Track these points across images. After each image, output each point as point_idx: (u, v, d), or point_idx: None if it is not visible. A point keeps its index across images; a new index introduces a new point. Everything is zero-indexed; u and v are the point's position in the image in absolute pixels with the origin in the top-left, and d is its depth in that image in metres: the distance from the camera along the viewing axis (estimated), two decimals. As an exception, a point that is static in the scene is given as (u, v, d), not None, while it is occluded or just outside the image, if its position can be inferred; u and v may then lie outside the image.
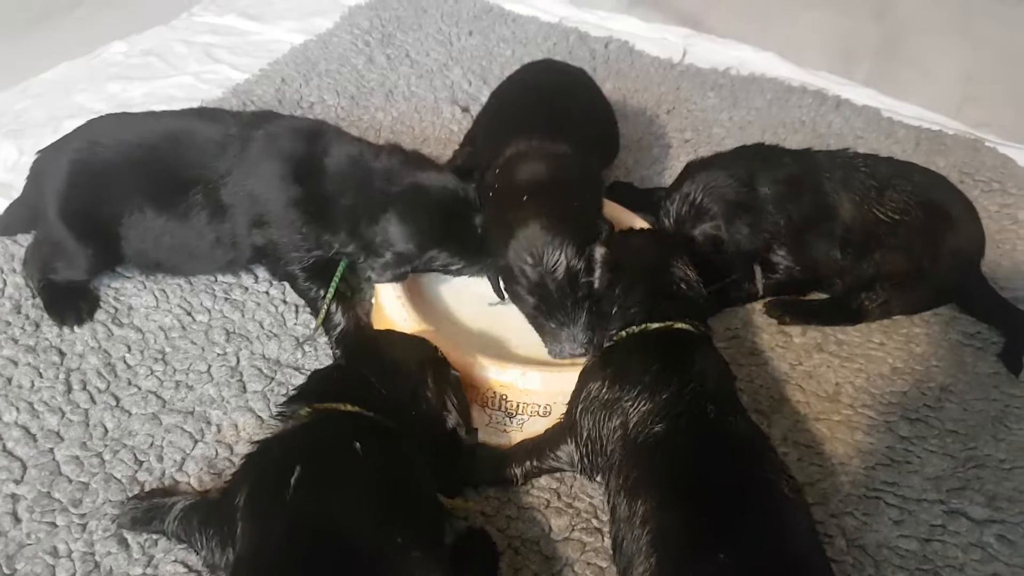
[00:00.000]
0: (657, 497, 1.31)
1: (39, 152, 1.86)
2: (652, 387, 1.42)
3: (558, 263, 1.61)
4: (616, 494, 1.37)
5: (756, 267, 1.99)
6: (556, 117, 1.98)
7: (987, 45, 3.36)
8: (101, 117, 1.90)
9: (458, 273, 1.80)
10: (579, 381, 1.54)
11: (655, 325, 1.52)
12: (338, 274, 1.84)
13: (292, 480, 1.21)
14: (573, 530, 1.52)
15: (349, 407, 1.37)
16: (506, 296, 1.76)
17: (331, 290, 1.83)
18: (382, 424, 1.37)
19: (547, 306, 1.64)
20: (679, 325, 1.53)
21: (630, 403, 1.42)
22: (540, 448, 1.57)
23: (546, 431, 1.59)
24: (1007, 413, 1.82)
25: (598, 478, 1.52)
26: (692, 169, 2.01)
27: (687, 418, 1.39)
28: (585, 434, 1.48)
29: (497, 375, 1.60)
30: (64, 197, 1.78)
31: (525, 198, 1.66)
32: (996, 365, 1.94)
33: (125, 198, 1.78)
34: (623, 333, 1.54)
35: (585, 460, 1.50)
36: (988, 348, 1.98)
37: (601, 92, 2.31)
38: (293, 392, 1.48)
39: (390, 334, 1.61)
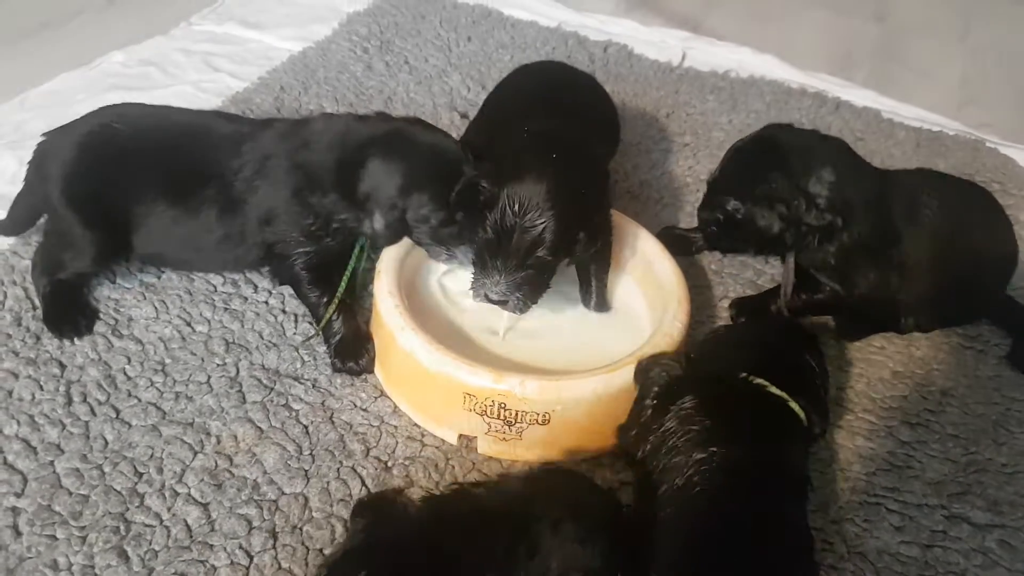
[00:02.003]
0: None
1: (44, 135, 1.85)
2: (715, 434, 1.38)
3: (534, 227, 1.62)
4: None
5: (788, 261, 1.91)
6: (560, 115, 1.95)
7: (987, 45, 3.35)
8: (116, 104, 1.89)
9: (446, 236, 1.75)
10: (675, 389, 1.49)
11: (758, 381, 1.47)
12: (347, 275, 1.84)
13: None
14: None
15: None
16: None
17: (343, 284, 1.83)
18: None
19: (497, 250, 1.65)
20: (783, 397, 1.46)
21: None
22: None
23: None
24: (1008, 417, 1.82)
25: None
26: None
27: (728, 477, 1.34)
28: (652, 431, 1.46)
29: (495, 384, 1.60)
30: (71, 179, 1.78)
31: (552, 155, 1.66)
32: (997, 368, 1.93)
33: (136, 186, 1.78)
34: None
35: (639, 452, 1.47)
36: (989, 351, 1.98)
37: (600, 86, 2.28)
38: None
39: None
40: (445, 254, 1.82)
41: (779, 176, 1.80)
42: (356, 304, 1.94)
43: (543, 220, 1.62)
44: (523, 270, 1.66)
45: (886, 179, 1.91)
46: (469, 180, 1.70)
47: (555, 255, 1.68)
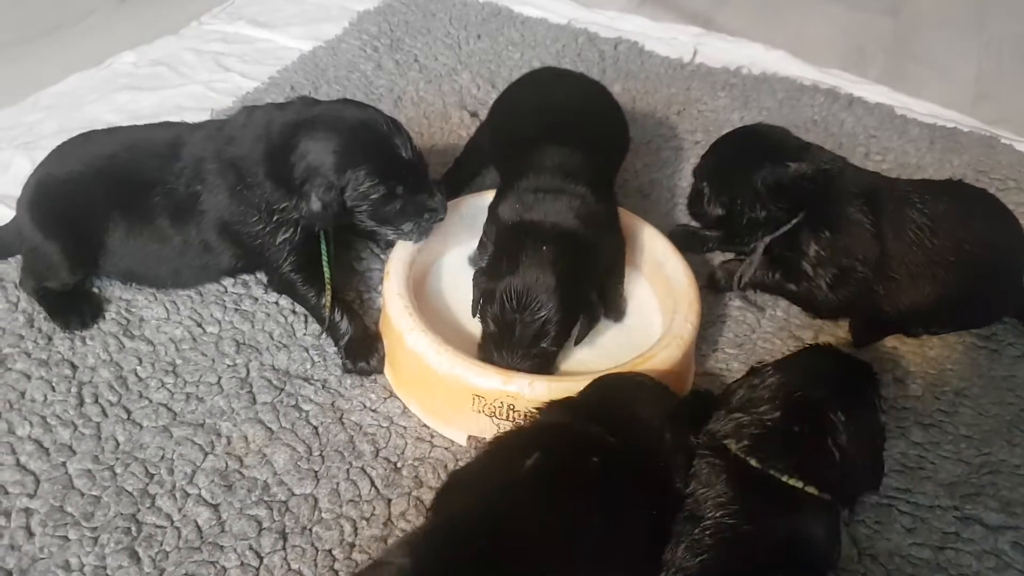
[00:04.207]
0: None
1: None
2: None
3: (535, 321, 1.65)
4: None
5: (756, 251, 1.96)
6: (569, 130, 1.94)
7: (1002, 39, 3.32)
8: (71, 138, 1.92)
9: (389, 214, 1.75)
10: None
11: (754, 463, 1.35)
12: (325, 263, 1.84)
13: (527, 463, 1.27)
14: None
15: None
16: (477, 312, 1.77)
17: (326, 272, 1.83)
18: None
19: (501, 341, 1.69)
20: (788, 480, 1.32)
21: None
22: None
23: None
24: (1022, 417, 1.80)
25: None
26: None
27: None
28: None
29: (504, 385, 1.60)
30: (34, 203, 1.83)
31: (544, 247, 1.67)
32: (1011, 368, 1.91)
33: (91, 203, 1.81)
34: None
35: None
36: (1003, 351, 1.96)
37: (610, 95, 2.26)
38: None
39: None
40: (392, 233, 1.80)
41: (735, 170, 1.94)
42: (353, 293, 1.94)
43: (544, 312, 1.65)
44: (529, 359, 1.69)
45: (866, 183, 1.91)
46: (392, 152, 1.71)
47: (559, 344, 1.73)
